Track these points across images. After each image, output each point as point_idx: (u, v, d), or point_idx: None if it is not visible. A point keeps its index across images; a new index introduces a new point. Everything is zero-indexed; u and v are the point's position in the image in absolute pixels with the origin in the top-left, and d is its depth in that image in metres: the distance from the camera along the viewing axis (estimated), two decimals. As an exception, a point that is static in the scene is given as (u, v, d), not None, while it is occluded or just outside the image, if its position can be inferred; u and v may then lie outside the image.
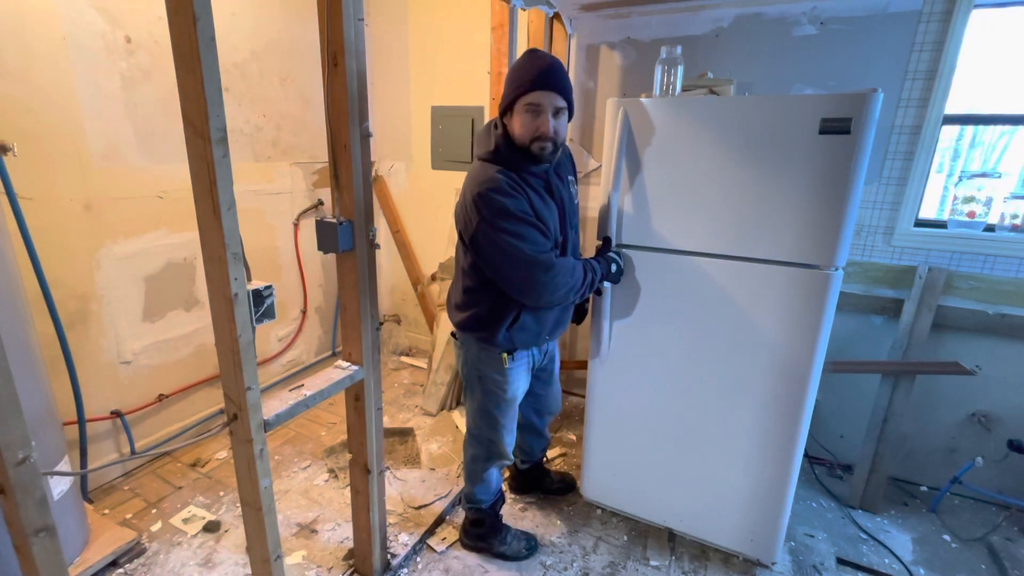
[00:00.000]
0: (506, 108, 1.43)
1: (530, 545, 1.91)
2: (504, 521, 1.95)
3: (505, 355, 1.59)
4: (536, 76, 1.36)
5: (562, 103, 1.40)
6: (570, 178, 1.64)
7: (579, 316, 1.86)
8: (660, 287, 1.75)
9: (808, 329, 1.56)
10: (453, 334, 1.72)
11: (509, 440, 1.77)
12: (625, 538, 2.00)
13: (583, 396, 2.98)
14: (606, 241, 1.73)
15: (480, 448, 1.78)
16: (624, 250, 1.77)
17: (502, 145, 1.43)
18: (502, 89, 2.27)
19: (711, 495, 1.85)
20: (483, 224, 1.37)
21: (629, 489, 2.01)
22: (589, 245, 2.76)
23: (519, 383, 1.67)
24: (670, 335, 1.77)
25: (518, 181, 1.41)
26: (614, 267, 1.68)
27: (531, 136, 1.39)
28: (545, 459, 2.31)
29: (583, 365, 2.42)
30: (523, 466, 2.17)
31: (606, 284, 1.74)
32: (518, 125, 1.40)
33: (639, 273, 1.77)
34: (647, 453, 1.92)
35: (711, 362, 1.73)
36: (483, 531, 1.89)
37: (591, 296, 1.86)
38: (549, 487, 2.20)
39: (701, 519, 1.90)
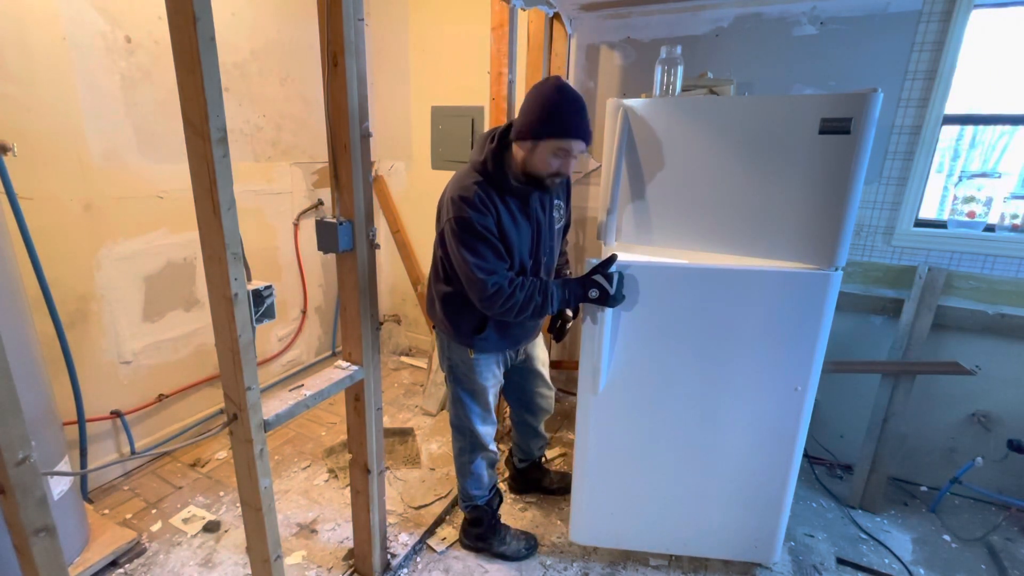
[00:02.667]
0: (527, 137, 1.40)
1: (530, 545, 1.91)
2: (504, 521, 1.95)
3: (469, 348, 1.64)
4: (574, 125, 1.38)
5: (584, 148, 1.43)
6: (557, 202, 1.66)
7: (558, 334, 1.78)
8: (655, 300, 1.59)
9: (808, 329, 1.56)
10: (433, 326, 1.76)
11: (486, 430, 1.78)
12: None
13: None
14: (609, 259, 1.50)
15: (463, 440, 1.79)
16: (628, 268, 1.53)
17: (490, 162, 1.45)
18: (502, 89, 2.29)
19: (712, 511, 1.77)
20: (448, 225, 1.46)
21: (624, 525, 1.85)
22: (589, 246, 2.76)
23: (487, 374, 1.69)
24: (668, 349, 1.63)
25: (494, 198, 1.44)
26: (594, 292, 1.47)
27: (550, 174, 1.44)
28: (544, 459, 2.31)
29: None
30: (521, 464, 2.17)
31: (605, 309, 1.53)
32: (540, 161, 1.42)
33: (633, 288, 1.57)
34: (645, 483, 1.77)
35: (712, 369, 1.64)
36: (482, 531, 1.89)
37: (568, 317, 1.75)
38: (548, 487, 2.20)
39: (703, 538, 1.82)
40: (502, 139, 1.48)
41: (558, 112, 1.37)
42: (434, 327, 1.75)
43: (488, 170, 1.45)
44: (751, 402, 1.67)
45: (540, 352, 1.93)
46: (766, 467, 1.71)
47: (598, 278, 1.48)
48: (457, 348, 1.67)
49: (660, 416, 1.72)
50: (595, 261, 1.52)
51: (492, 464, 1.86)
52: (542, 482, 2.20)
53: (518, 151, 1.45)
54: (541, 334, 1.94)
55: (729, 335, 1.63)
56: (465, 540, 1.93)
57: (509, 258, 1.49)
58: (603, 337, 1.60)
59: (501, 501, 1.94)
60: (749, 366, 1.64)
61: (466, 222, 1.41)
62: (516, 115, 1.48)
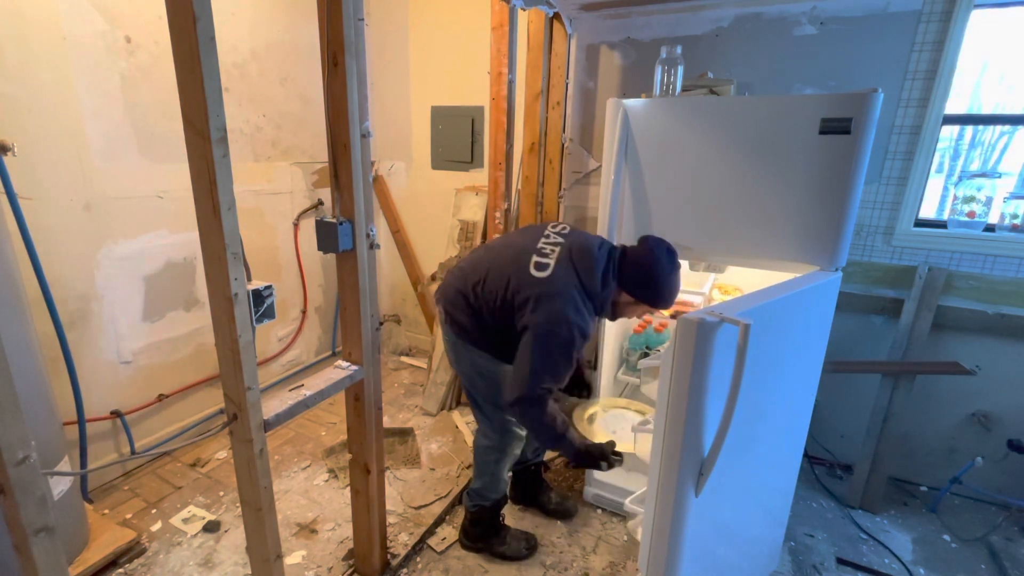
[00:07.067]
0: (634, 296, 1.54)
1: (530, 544, 1.91)
2: (504, 521, 1.94)
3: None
4: (672, 301, 1.57)
5: None
6: None
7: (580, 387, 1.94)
8: (756, 349, 1.13)
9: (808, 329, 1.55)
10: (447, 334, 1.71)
11: (522, 431, 1.79)
12: (625, 538, 2.00)
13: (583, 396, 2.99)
14: (612, 443, 1.55)
15: (495, 438, 1.78)
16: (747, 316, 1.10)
17: (601, 299, 1.52)
18: (502, 89, 2.30)
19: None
20: (548, 329, 1.45)
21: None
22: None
23: None
24: (750, 402, 1.25)
25: (592, 323, 1.54)
26: (604, 467, 1.52)
27: (626, 318, 1.64)
28: (546, 467, 2.21)
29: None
30: (515, 467, 2.09)
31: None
32: (630, 311, 1.61)
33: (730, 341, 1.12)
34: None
35: (773, 401, 1.44)
36: (483, 531, 1.88)
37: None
38: (546, 505, 2.11)
39: None
40: (618, 271, 1.54)
41: (668, 290, 1.53)
42: (456, 334, 1.68)
43: (597, 305, 1.54)
44: (781, 418, 1.55)
45: None
46: (766, 466, 1.70)
47: (613, 459, 1.53)
48: (481, 353, 1.67)
49: (739, 474, 1.40)
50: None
51: (511, 469, 1.87)
52: (539, 498, 2.12)
53: (620, 295, 1.56)
54: None
55: (776, 358, 1.39)
56: (465, 540, 1.93)
57: None
58: (723, 430, 1.15)
59: (505, 502, 1.94)
60: (786, 383, 1.50)
61: (575, 347, 1.46)
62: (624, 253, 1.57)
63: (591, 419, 1.81)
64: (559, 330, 1.44)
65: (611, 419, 1.82)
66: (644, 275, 1.51)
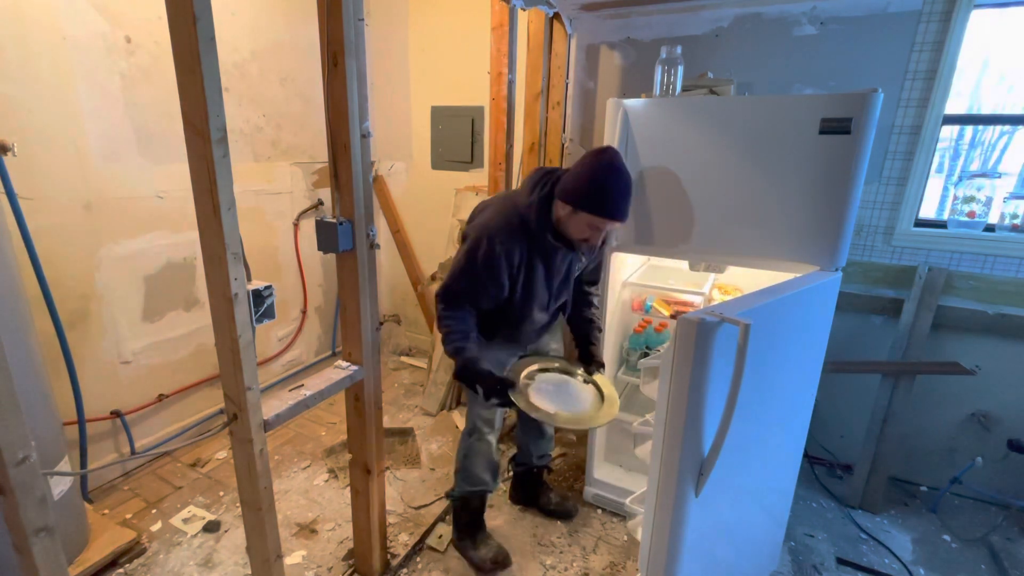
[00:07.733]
0: (569, 202, 1.43)
1: (497, 561, 1.82)
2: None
3: None
4: (616, 208, 1.41)
5: (620, 225, 1.47)
6: (584, 259, 1.68)
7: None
8: (755, 349, 1.14)
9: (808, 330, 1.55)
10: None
11: (486, 415, 1.76)
12: (625, 538, 2.00)
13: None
14: (504, 382, 1.50)
15: (468, 422, 1.79)
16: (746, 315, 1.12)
17: (534, 213, 1.48)
18: (502, 89, 2.30)
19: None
20: (470, 242, 1.51)
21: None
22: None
23: (491, 357, 1.65)
24: (751, 401, 1.26)
25: (523, 249, 1.51)
26: (482, 394, 1.49)
27: (580, 239, 1.49)
28: (548, 470, 2.18)
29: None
30: (518, 469, 2.10)
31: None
32: (574, 227, 1.46)
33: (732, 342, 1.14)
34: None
35: (772, 400, 1.44)
36: (461, 529, 1.88)
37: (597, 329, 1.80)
38: (545, 507, 2.10)
39: None
40: (553, 187, 1.48)
41: (603, 191, 1.39)
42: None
43: (530, 221, 1.48)
44: (781, 418, 1.55)
45: (555, 343, 1.93)
46: (766, 466, 1.70)
47: (489, 393, 1.49)
48: None
49: (739, 474, 1.40)
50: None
51: (488, 464, 1.80)
52: (540, 499, 2.11)
53: (558, 207, 1.46)
54: (559, 330, 1.94)
55: (776, 358, 1.39)
56: (454, 537, 1.92)
57: (511, 290, 1.55)
58: (724, 428, 1.15)
59: (483, 505, 1.90)
60: (786, 383, 1.50)
61: (482, 255, 1.47)
62: (568, 169, 1.49)
63: (532, 375, 1.66)
64: (472, 234, 1.50)
65: (549, 382, 1.66)
66: (572, 175, 1.43)
